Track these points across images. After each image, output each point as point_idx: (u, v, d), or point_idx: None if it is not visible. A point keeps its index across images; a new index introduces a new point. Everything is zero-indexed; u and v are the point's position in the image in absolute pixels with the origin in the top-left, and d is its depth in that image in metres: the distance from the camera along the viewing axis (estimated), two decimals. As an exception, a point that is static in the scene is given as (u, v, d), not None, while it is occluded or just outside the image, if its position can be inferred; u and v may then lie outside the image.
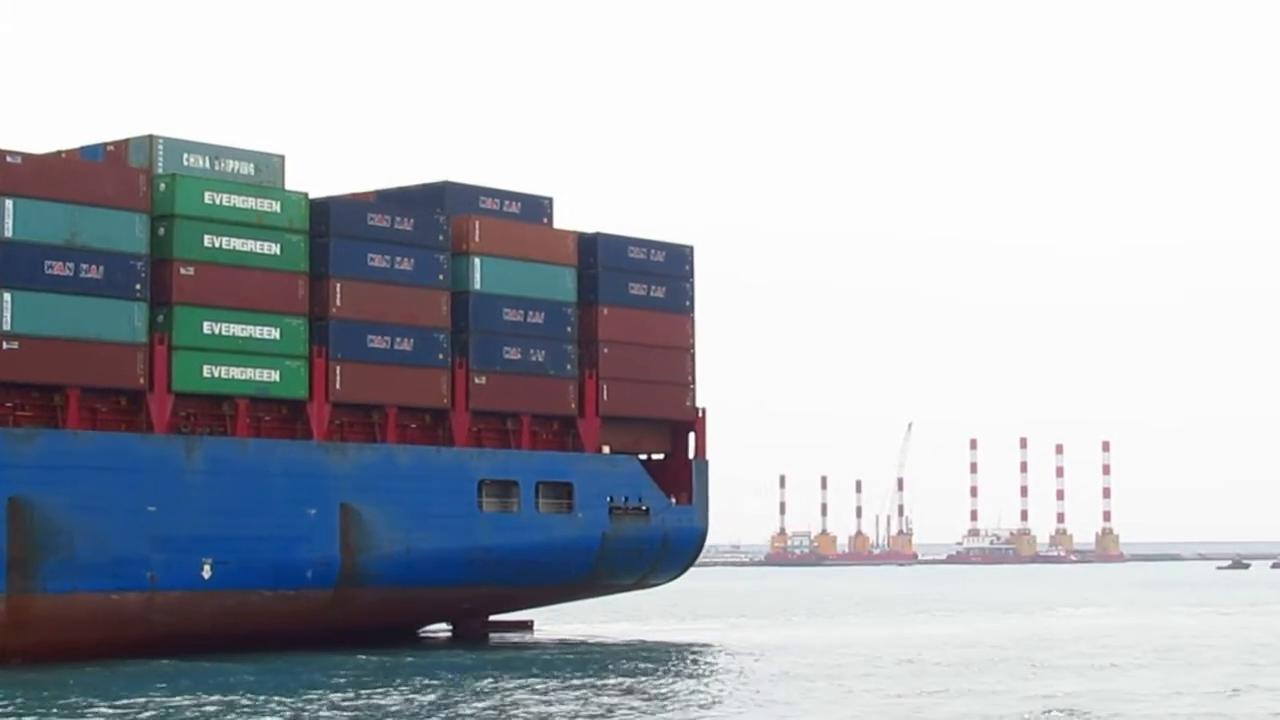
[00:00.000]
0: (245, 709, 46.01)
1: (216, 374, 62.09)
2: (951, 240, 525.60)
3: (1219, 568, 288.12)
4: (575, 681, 53.32)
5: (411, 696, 48.90)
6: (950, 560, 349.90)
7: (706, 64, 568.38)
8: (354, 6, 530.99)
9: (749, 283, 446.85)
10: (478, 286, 69.66)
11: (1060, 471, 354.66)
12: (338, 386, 65.02)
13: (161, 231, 61.48)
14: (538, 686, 51.64)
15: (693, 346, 77.12)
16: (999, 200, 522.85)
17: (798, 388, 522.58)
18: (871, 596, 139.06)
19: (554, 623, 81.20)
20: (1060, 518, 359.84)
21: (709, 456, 77.72)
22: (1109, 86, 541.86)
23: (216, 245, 62.48)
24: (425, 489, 66.91)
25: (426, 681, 53.14)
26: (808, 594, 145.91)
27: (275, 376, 63.53)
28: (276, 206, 64.31)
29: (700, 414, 77.07)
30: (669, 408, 76.10)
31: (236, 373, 62.56)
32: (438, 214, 69.37)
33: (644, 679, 54.75)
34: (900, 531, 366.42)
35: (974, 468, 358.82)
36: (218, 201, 62.73)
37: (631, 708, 46.52)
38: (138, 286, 60.31)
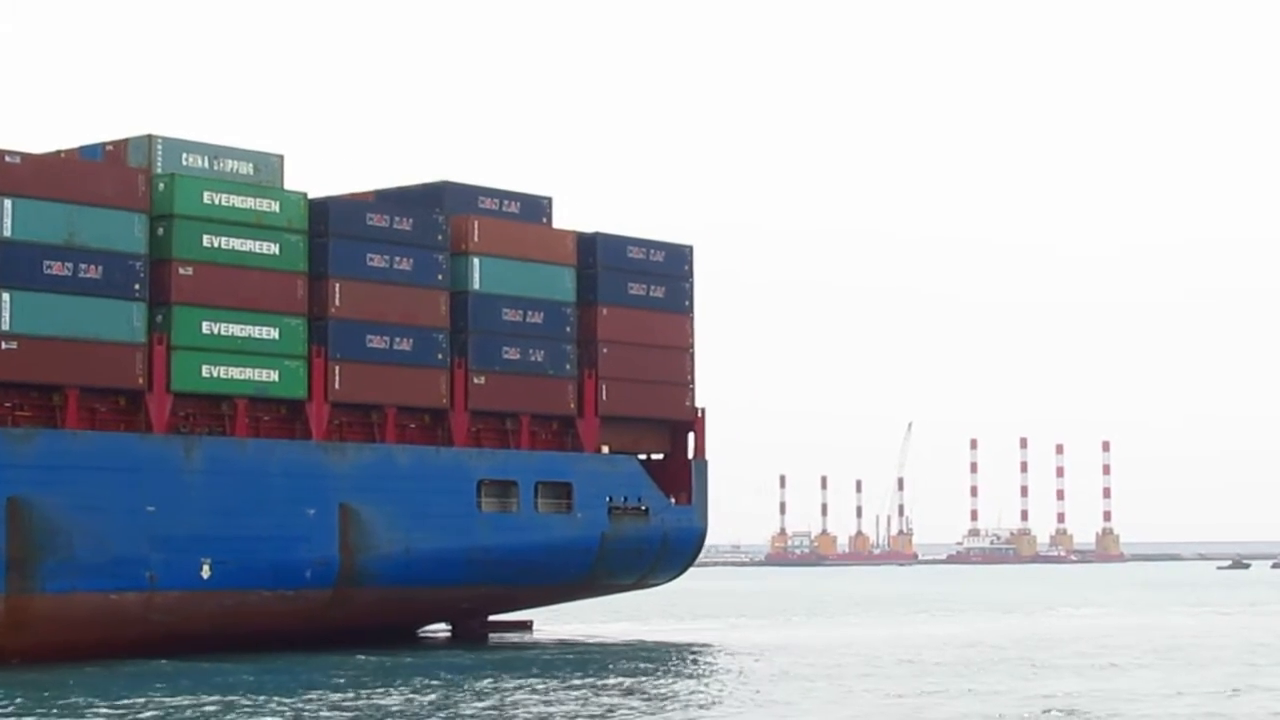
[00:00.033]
0: (245, 709, 45.97)
1: (215, 374, 62.06)
2: (951, 240, 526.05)
3: (1219, 568, 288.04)
4: (575, 681, 53.27)
5: (411, 697, 48.86)
6: (950, 560, 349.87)
7: (705, 64, 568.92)
8: (353, 6, 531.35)
9: (748, 282, 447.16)
10: (477, 286, 69.62)
11: (1060, 471, 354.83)
12: (337, 386, 64.98)
13: (160, 231, 61.44)
14: (537, 687, 51.60)
15: (692, 346, 77.06)
16: (999, 200, 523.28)
17: (797, 387, 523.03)
18: (871, 596, 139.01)
19: (553, 623, 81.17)
20: (1060, 518, 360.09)
21: (708, 456, 77.74)
22: (1109, 86, 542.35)
23: (215, 245, 62.45)
24: (424, 489, 66.88)
25: (426, 682, 53.09)
26: (808, 594, 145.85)
27: (274, 376, 63.49)
28: (275, 206, 64.27)
29: (700, 414, 77.01)
30: (668, 408, 76.05)
31: (235, 373, 62.53)
32: (437, 214, 69.33)
33: (644, 679, 54.71)
34: (900, 531, 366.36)
35: (974, 468, 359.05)
36: (217, 201, 62.70)
37: (631, 708, 46.47)
38: (136, 286, 60.28)
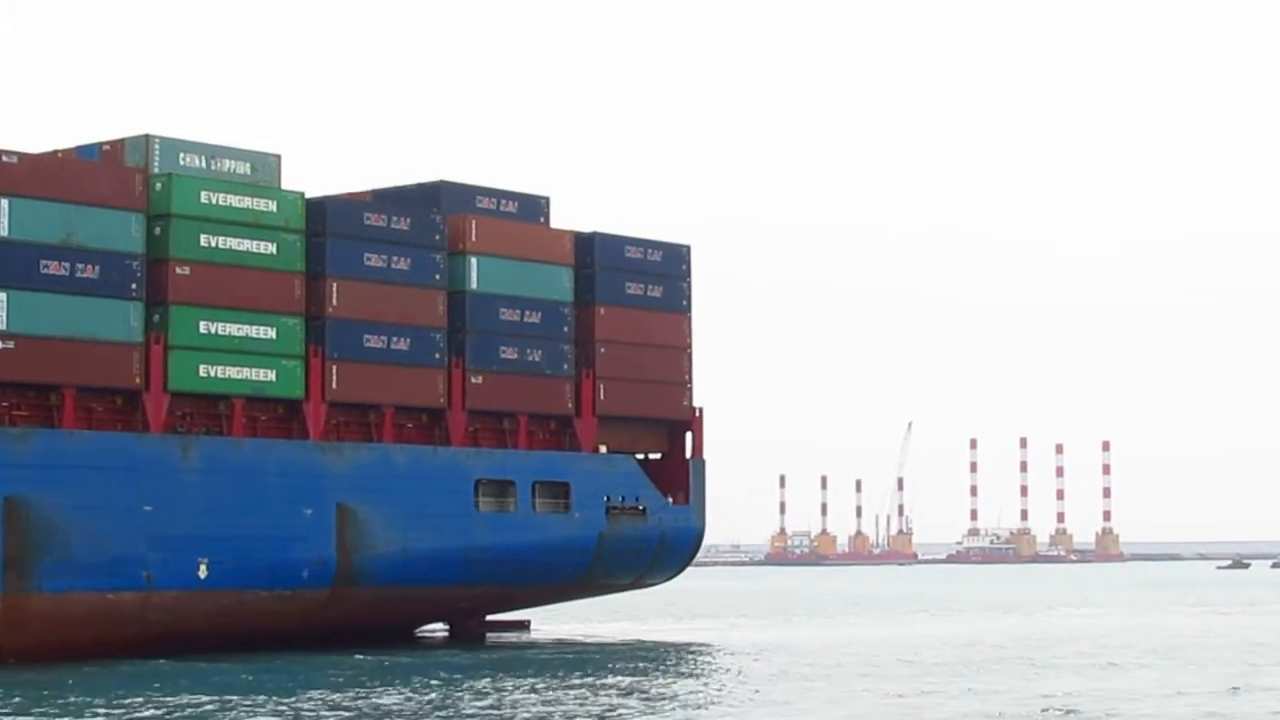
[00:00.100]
0: (243, 708, 45.87)
1: (212, 373, 61.98)
2: (951, 240, 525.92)
3: (1219, 567, 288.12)
4: (573, 681, 53.19)
5: (409, 696, 48.77)
6: (950, 560, 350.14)
7: (703, 63, 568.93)
8: (350, 6, 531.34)
9: (747, 282, 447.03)
10: (474, 286, 69.54)
11: (1060, 471, 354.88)
12: (334, 386, 64.89)
13: (157, 231, 61.36)
14: (536, 686, 51.51)
15: (690, 346, 76.99)
16: (999, 200, 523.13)
17: (797, 387, 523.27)
18: (871, 596, 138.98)
19: (551, 622, 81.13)
20: (1060, 517, 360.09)
21: (707, 456, 77.64)
22: (1109, 86, 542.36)
23: (212, 245, 62.38)
24: (422, 489, 66.80)
25: (423, 681, 53.01)
26: (807, 594, 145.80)
27: (271, 376, 63.41)
28: (272, 206, 64.19)
29: (697, 413, 76.94)
30: (666, 407, 75.97)
31: (233, 372, 62.45)
32: (434, 213, 69.26)
33: (643, 679, 54.62)
34: (900, 531, 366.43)
35: (974, 467, 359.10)
36: (214, 201, 62.62)
37: (630, 708, 46.39)
38: (133, 286, 60.21)
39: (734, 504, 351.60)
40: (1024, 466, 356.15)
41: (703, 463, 77.41)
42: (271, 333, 63.40)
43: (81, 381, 59.15)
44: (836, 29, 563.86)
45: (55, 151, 64.38)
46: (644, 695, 49.52)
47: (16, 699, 47.56)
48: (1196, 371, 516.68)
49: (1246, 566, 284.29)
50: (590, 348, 72.97)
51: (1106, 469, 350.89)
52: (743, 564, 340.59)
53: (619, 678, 54.71)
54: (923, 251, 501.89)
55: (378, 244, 66.73)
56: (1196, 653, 66.50)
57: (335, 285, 65.27)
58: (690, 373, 76.71)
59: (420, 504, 66.70)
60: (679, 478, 76.82)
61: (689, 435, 77.16)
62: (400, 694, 49.33)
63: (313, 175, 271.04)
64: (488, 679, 53.63)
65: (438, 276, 68.36)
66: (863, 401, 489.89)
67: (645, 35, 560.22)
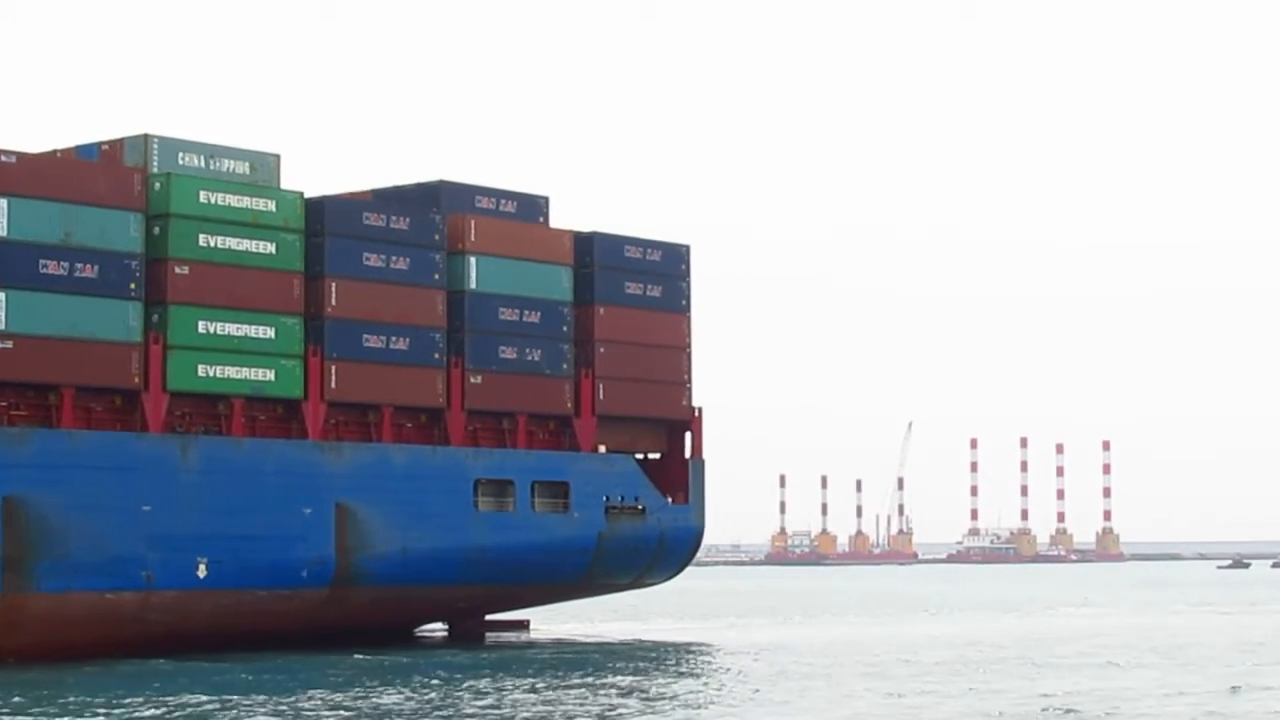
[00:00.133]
0: (243, 709, 45.83)
1: (211, 373, 61.95)
2: (951, 239, 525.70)
3: (1219, 567, 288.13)
4: (573, 681, 53.15)
5: (408, 696, 48.73)
6: (950, 560, 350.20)
7: (702, 63, 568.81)
8: (349, 6, 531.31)
9: (746, 281, 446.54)
10: (473, 286, 69.50)
11: (1060, 471, 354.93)
12: (333, 386, 64.86)
13: (156, 231, 61.33)
14: (535, 686, 51.47)
15: (689, 346, 76.96)
16: (999, 200, 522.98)
17: (797, 387, 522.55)
18: (871, 596, 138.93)
19: (550, 622, 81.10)
20: (1060, 517, 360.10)
21: (706, 456, 77.61)
22: (1109, 85, 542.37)
23: (211, 244, 62.35)
24: (421, 488, 66.78)
25: (423, 681, 52.97)
26: (807, 594, 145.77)
27: (270, 376, 63.38)
28: (272, 206, 64.16)
29: (697, 413, 76.91)
30: (665, 407, 75.94)
31: (232, 372, 62.42)
32: (433, 213, 69.23)
33: (642, 678, 54.58)
34: (900, 531, 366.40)
35: (974, 467, 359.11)
36: (213, 201, 62.59)
37: (630, 707, 46.36)
38: (132, 286, 60.18)
39: (735, 504, 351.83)
40: (1024, 466, 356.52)
41: (702, 462, 77.38)
42: (270, 332, 63.38)
43: (80, 381, 59.12)
44: (836, 29, 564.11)
45: (54, 151, 64.37)
46: (644, 695, 49.48)
47: (16, 699, 47.52)
48: (1197, 371, 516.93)
49: (1247, 566, 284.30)
50: (589, 347, 72.94)
51: (1107, 469, 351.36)
52: (743, 564, 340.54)
53: (619, 678, 54.67)
54: (923, 251, 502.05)
55: (377, 244, 66.70)
56: (1196, 652, 66.46)
57: (334, 285, 65.24)
58: (690, 372, 76.68)
59: (419, 504, 66.68)
60: (678, 477, 76.80)
61: (688, 435, 77.15)
62: (400, 694, 49.29)
63: (312, 175, 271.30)
64: (487, 679, 53.60)
65: (437, 276, 68.33)
66: (863, 401, 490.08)
67: (644, 36, 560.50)
